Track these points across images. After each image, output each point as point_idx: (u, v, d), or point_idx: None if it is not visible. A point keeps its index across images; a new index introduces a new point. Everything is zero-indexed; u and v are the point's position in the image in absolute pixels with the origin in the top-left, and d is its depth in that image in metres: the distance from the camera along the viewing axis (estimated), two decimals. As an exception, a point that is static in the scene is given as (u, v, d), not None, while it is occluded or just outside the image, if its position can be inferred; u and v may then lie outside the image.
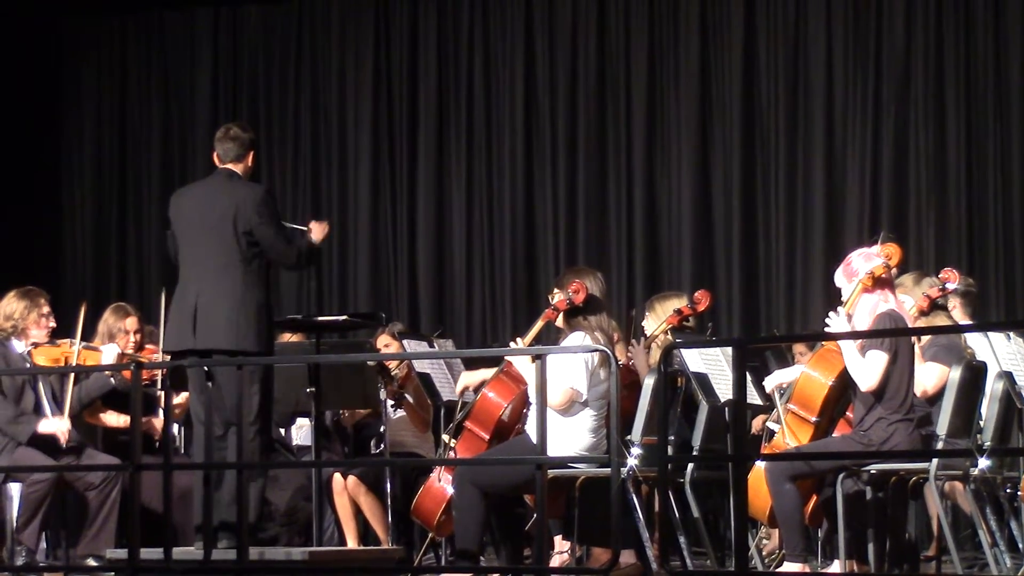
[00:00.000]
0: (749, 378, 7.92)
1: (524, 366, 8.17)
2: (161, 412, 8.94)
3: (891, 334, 7.55)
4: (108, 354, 8.97)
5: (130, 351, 9.16)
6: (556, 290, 8.35)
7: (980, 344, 8.40)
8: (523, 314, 12.70)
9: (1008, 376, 8.13)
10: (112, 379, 8.97)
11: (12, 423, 8.73)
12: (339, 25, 13.72)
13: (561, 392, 8.01)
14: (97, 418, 9.25)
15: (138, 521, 7.70)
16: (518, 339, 8.36)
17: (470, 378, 8.94)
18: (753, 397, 8.49)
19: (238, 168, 8.33)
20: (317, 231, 8.43)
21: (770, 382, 8.28)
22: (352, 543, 9.44)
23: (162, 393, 8.73)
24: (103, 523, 8.72)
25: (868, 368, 7.57)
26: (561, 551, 8.75)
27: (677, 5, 12.93)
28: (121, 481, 8.66)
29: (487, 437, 8.56)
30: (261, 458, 8.13)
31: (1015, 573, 7.94)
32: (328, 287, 13.47)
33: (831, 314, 7.74)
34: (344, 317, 9.75)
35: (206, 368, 8.01)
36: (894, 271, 7.84)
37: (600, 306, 8.27)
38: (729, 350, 8.15)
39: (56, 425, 8.72)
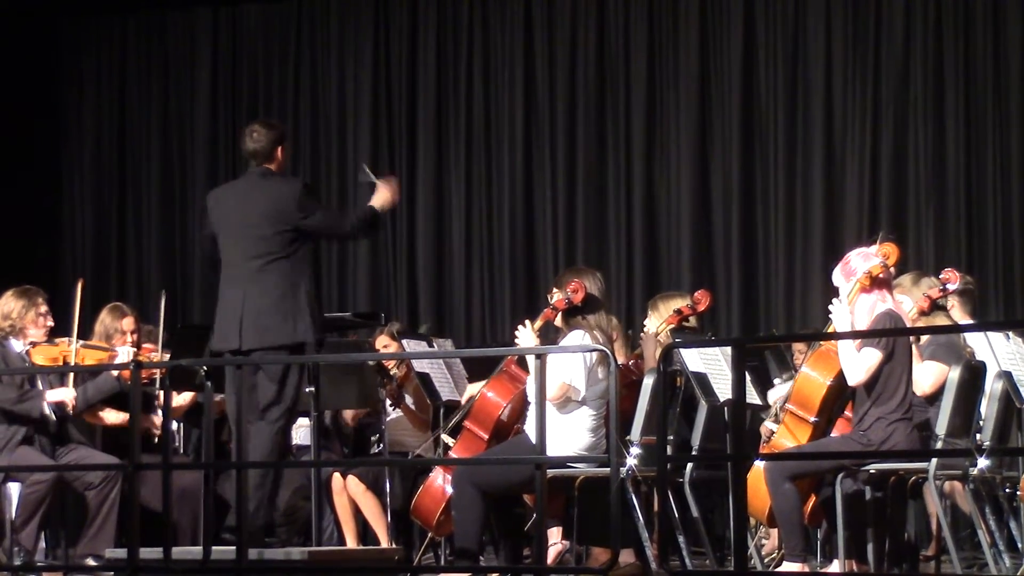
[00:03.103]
0: (748, 378, 7.92)
1: (529, 341, 8.18)
2: (160, 411, 8.94)
3: (890, 334, 7.55)
4: (122, 357, 8.94)
5: (129, 347, 9.15)
6: (555, 289, 8.36)
7: (979, 344, 8.40)
8: (522, 314, 12.64)
9: (1007, 376, 8.13)
10: (119, 381, 8.96)
11: (19, 403, 8.71)
12: (338, 24, 13.73)
13: (556, 385, 8.00)
14: (96, 416, 9.25)
15: (137, 521, 7.70)
16: (527, 322, 8.32)
17: (476, 388, 8.96)
18: (752, 397, 8.49)
19: (271, 165, 8.34)
20: (383, 194, 8.41)
21: (773, 396, 8.33)
22: (351, 543, 9.43)
23: (161, 392, 8.73)
24: (102, 523, 8.71)
25: (859, 363, 7.57)
26: (555, 543, 8.75)
27: (676, 4, 12.93)
28: (120, 481, 8.66)
29: (486, 437, 8.57)
30: (280, 456, 8.17)
31: (1014, 573, 7.94)
32: (327, 286, 13.48)
33: (834, 302, 7.74)
34: (347, 315, 9.77)
35: (204, 369, 8.02)
36: (892, 271, 7.84)
37: (599, 305, 8.28)
38: (728, 350, 8.15)
39: (63, 393, 8.70)
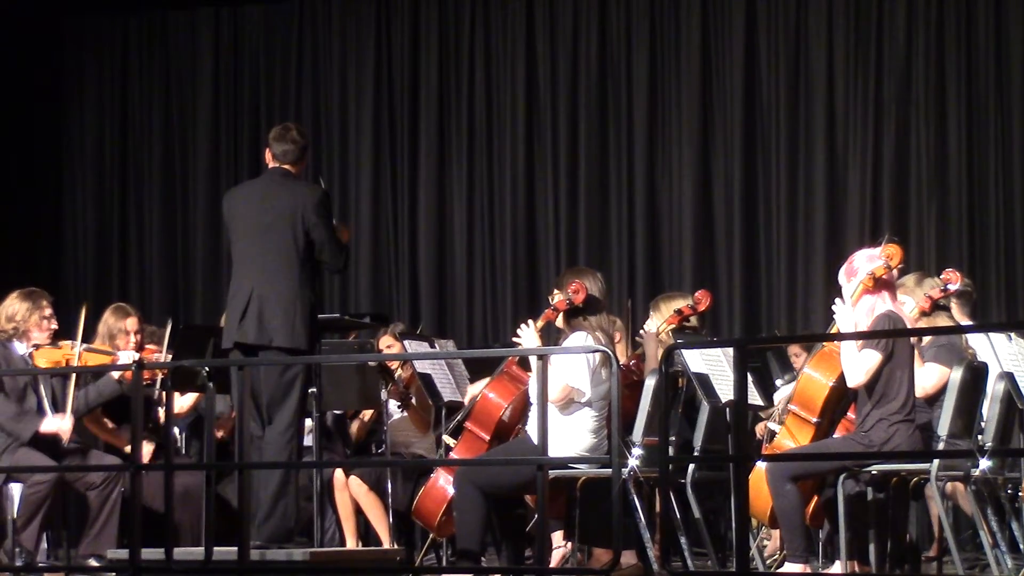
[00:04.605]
0: (750, 379, 7.92)
1: (531, 340, 8.19)
2: (162, 412, 8.95)
3: (892, 335, 7.55)
4: (123, 361, 8.94)
5: (131, 351, 9.15)
6: (556, 290, 8.36)
7: (981, 345, 8.40)
8: (524, 314, 12.65)
9: (1009, 377, 8.13)
10: (120, 385, 8.95)
11: (14, 421, 8.71)
12: (340, 24, 13.72)
13: (559, 388, 8.01)
14: (98, 423, 9.25)
15: (139, 521, 7.70)
16: (530, 321, 8.33)
17: (478, 389, 8.95)
18: (754, 398, 8.49)
19: (293, 169, 8.33)
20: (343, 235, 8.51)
21: (778, 398, 8.35)
22: (351, 540, 9.43)
23: (163, 393, 8.74)
24: (104, 523, 8.71)
25: (858, 365, 7.57)
26: (558, 546, 8.76)
27: (678, 4, 12.93)
28: (122, 481, 8.66)
29: (487, 437, 8.58)
30: (294, 457, 8.18)
31: (1016, 574, 7.94)
32: (329, 287, 13.47)
33: (836, 303, 7.75)
34: (345, 316, 9.77)
35: (205, 370, 8.02)
36: (895, 272, 7.85)
37: (600, 306, 8.28)
38: (730, 350, 8.15)
39: (59, 424, 8.71)
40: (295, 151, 8.33)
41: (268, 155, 8.42)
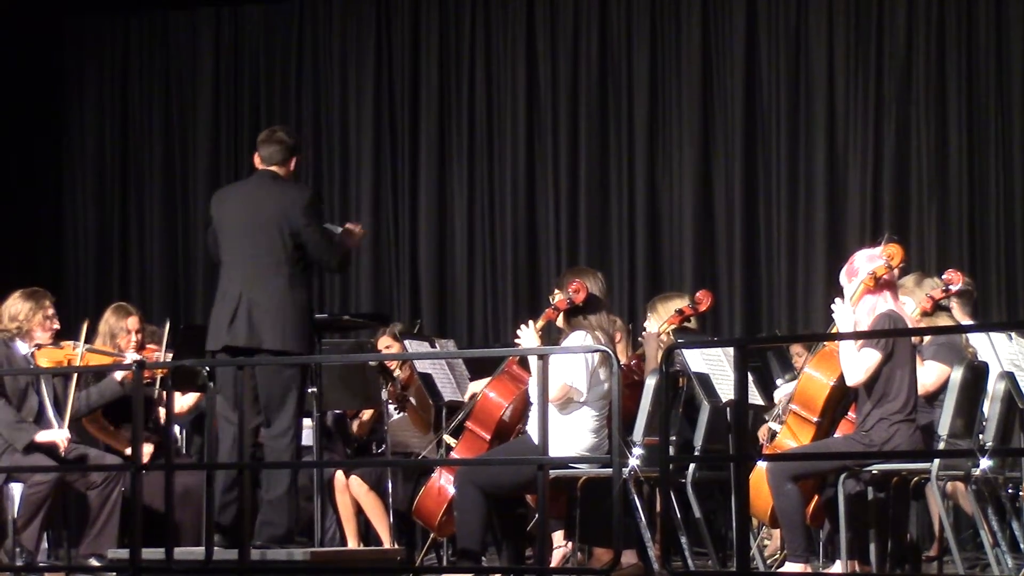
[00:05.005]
0: (751, 378, 7.91)
1: (532, 340, 8.21)
2: (163, 412, 8.95)
3: (893, 334, 7.55)
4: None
5: (132, 351, 9.15)
6: (556, 290, 8.37)
7: (982, 344, 8.40)
8: (525, 314, 12.66)
9: (1010, 376, 8.13)
10: (122, 386, 8.95)
11: (12, 429, 8.70)
12: (340, 24, 13.73)
13: (557, 387, 8.00)
14: (98, 426, 9.24)
15: (140, 521, 7.70)
16: (530, 322, 8.34)
17: (479, 386, 8.95)
18: (755, 397, 8.49)
19: (281, 171, 8.28)
20: (356, 235, 8.44)
21: (778, 397, 8.35)
22: (353, 542, 9.43)
23: (164, 393, 8.73)
24: (105, 523, 8.71)
25: (858, 364, 7.58)
26: (559, 546, 8.76)
27: (679, 4, 12.94)
28: (122, 481, 8.65)
29: (488, 437, 8.58)
30: (294, 459, 8.17)
31: (1016, 573, 7.94)
32: (330, 287, 13.48)
33: (836, 302, 7.76)
34: (347, 317, 9.76)
35: (206, 369, 8.01)
36: (895, 272, 7.85)
37: (600, 306, 8.28)
38: (730, 350, 8.15)
39: (55, 435, 8.69)
40: (281, 152, 8.28)
41: (256, 158, 8.38)
